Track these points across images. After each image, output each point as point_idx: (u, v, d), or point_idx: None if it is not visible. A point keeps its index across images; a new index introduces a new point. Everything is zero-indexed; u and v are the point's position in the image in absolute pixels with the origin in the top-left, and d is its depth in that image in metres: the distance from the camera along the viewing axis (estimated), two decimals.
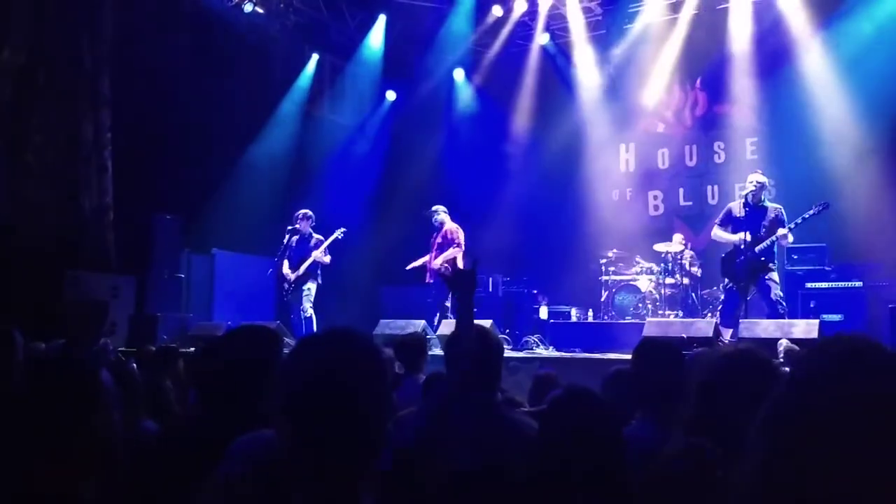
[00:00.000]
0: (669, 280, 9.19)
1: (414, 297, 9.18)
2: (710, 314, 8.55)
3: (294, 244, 8.51)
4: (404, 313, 8.16)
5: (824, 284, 8.42)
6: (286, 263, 8.48)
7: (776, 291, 6.65)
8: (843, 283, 8.35)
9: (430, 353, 4.84)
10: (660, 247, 9.46)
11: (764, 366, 1.80)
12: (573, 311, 10.06)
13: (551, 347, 7.83)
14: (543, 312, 9.99)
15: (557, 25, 11.62)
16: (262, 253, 9.53)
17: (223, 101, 9.75)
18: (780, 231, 6.63)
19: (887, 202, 8.60)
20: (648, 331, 6.37)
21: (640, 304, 9.34)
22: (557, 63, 11.83)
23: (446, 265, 8.15)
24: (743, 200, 6.96)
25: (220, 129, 9.72)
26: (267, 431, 1.53)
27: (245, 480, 1.45)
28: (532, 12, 11.32)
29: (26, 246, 7.87)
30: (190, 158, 9.39)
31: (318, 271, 8.52)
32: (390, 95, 12.51)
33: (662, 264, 9.31)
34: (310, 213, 8.59)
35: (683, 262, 9.27)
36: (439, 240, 8.47)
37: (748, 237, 6.73)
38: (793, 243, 7.09)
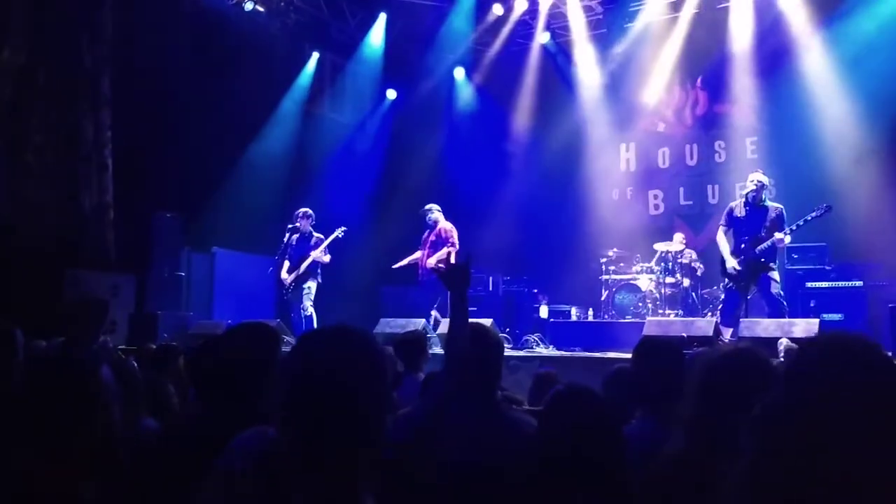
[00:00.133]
0: (669, 279, 9.19)
1: (414, 296, 9.18)
2: (710, 313, 8.55)
3: (294, 243, 8.51)
4: (405, 312, 8.17)
5: (824, 284, 8.42)
6: (285, 265, 8.49)
7: (777, 290, 6.65)
8: (843, 283, 8.35)
9: (430, 351, 4.84)
10: (660, 246, 9.46)
11: (763, 365, 1.80)
12: (573, 310, 10.06)
13: (551, 346, 7.82)
14: (544, 311, 9.99)
15: (558, 24, 11.62)
16: (263, 252, 9.53)
17: (223, 100, 9.74)
18: (778, 235, 6.63)
19: (888, 202, 8.59)
20: (648, 330, 6.37)
21: (641, 304, 9.34)
22: (558, 62, 11.82)
23: (440, 264, 8.15)
24: (743, 200, 6.96)
25: (220, 127, 9.71)
26: (267, 428, 1.53)
27: (246, 476, 1.45)
28: (533, 11, 11.32)
29: (26, 245, 7.87)
30: (190, 157, 9.38)
31: (319, 270, 8.53)
32: (391, 94, 12.50)
33: (662, 263, 9.31)
34: (310, 211, 8.59)
35: (684, 261, 9.27)
36: (433, 238, 8.47)
37: (744, 246, 6.75)
38: (793, 243, 7.10)
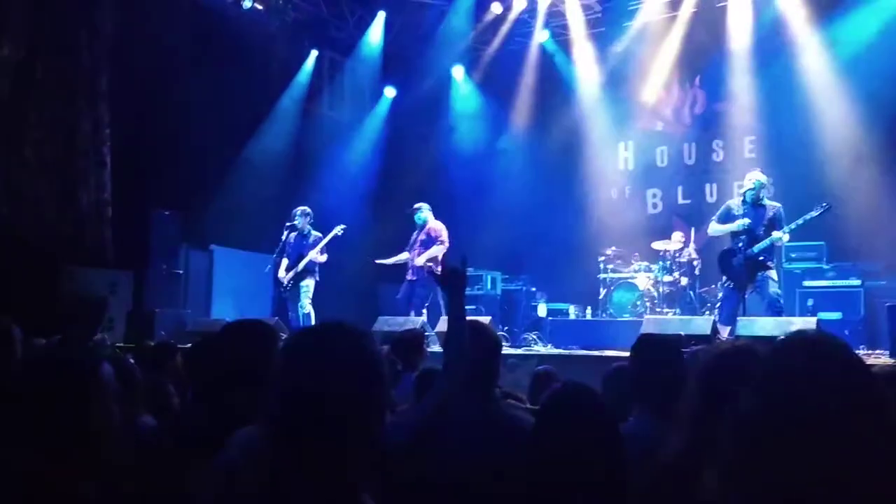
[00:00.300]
0: (668, 278, 9.20)
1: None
2: (708, 312, 8.56)
3: (292, 241, 8.51)
4: (403, 310, 8.17)
5: (822, 283, 8.43)
6: (283, 263, 8.48)
7: (774, 289, 6.66)
8: (840, 282, 8.36)
9: (428, 349, 4.84)
10: (658, 245, 9.46)
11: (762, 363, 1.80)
12: (571, 309, 10.08)
13: (549, 345, 7.85)
14: (542, 310, 10.00)
15: (557, 23, 11.62)
16: (261, 249, 9.51)
17: (222, 97, 9.71)
18: (776, 234, 6.63)
19: (886, 201, 8.60)
20: (646, 328, 6.36)
21: (639, 302, 9.34)
22: (556, 61, 11.82)
23: (430, 263, 8.14)
24: (742, 199, 6.95)
25: (218, 124, 9.69)
26: (265, 426, 1.53)
27: (245, 471, 1.44)
28: (531, 10, 11.32)
29: (24, 241, 7.85)
30: (188, 154, 9.36)
31: (317, 268, 8.52)
32: (389, 92, 12.48)
33: (661, 262, 9.32)
34: (308, 209, 8.58)
35: (682, 259, 9.28)
36: (422, 237, 8.44)
37: (746, 223, 6.72)
38: (791, 241, 7.10)
